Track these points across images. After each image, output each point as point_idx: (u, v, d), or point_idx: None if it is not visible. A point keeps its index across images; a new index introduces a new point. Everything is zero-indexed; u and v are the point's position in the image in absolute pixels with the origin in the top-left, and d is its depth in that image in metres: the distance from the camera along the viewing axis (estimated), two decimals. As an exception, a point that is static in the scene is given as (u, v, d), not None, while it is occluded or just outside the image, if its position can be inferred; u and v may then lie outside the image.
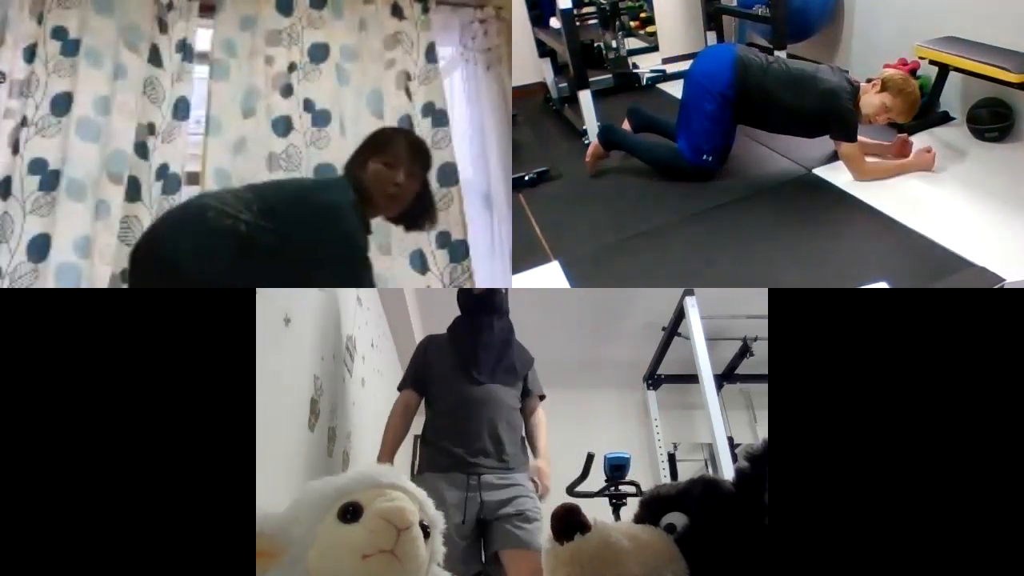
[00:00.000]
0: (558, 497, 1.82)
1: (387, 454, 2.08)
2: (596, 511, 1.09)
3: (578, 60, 2.93)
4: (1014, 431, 0.96)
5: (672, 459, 4.39)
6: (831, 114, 2.38)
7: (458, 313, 2.30)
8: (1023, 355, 0.98)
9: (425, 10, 2.65)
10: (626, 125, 2.87)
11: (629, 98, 3.78)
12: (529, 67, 3.68)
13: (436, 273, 2.41)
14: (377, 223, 1.88)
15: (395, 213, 1.85)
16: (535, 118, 3.63)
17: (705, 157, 2.57)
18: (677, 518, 1.08)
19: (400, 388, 2.24)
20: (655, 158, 2.71)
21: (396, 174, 1.76)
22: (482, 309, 2.23)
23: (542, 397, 2.31)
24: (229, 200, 1.60)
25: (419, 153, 1.85)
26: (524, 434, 2.20)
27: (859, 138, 2.45)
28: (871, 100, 2.37)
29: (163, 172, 2.25)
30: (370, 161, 1.77)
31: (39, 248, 2.06)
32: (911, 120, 2.50)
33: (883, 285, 1.88)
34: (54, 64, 2.21)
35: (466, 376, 2.12)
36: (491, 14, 2.75)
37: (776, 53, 3.22)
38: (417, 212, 1.90)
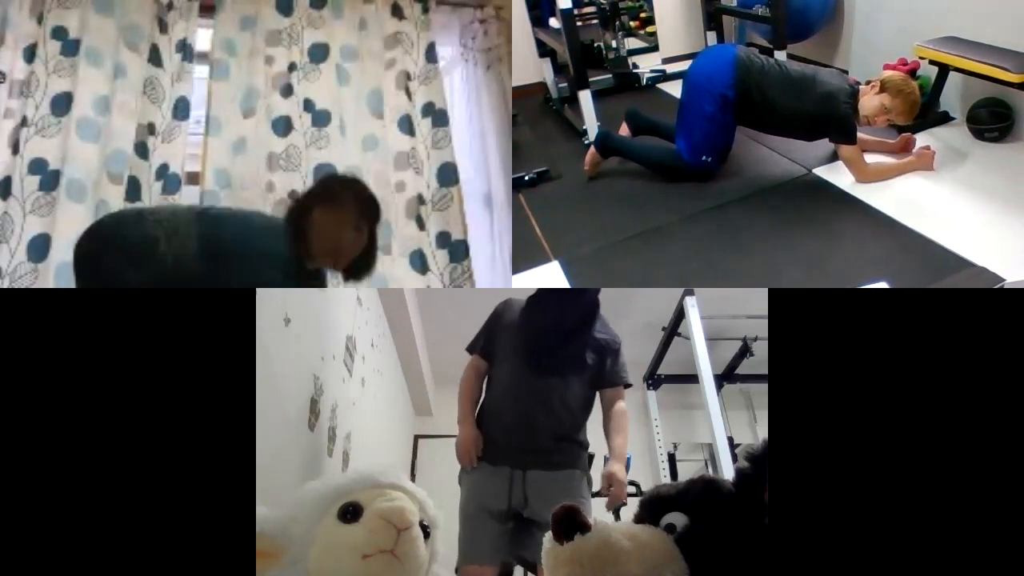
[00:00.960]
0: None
1: (467, 419, 1.96)
2: (596, 511, 1.09)
3: (578, 60, 2.93)
4: (1014, 431, 0.96)
5: (672, 459, 4.39)
6: (831, 117, 2.37)
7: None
8: (1023, 355, 0.98)
9: (425, 10, 2.65)
10: (624, 129, 2.86)
11: (629, 98, 3.79)
12: (529, 67, 3.68)
13: (436, 273, 2.41)
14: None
15: (336, 268, 1.72)
16: (535, 118, 3.63)
17: (704, 158, 2.57)
18: (677, 518, 1.09)
19: (470, 350, 2.11)
20: (653, 161, 2.70)
21: (341, 230, 1.63)
22: (568, 291, 2.09)
23: (628, 386, 2.08)
24: (173, 228, 1.56)
25: (368, 207, 1.70)
26: (603, 427, 2.03)
27: (860, 135, 2.45)
28: (870, 101, 2.37)
29: (163, 172, 2.25)
30: (315, 210, 1.63)
31: (39, 248, 2.06)
32: (911, 121, 2.50)
33: (883, 285, 1.88)
34: (54, 64, 2.21)
35: (526, 363, 1.95)
36: (491, 14, 2.75)
37: (776, 53, 3.22)
38: (359, 264, 1.74)
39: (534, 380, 1.94)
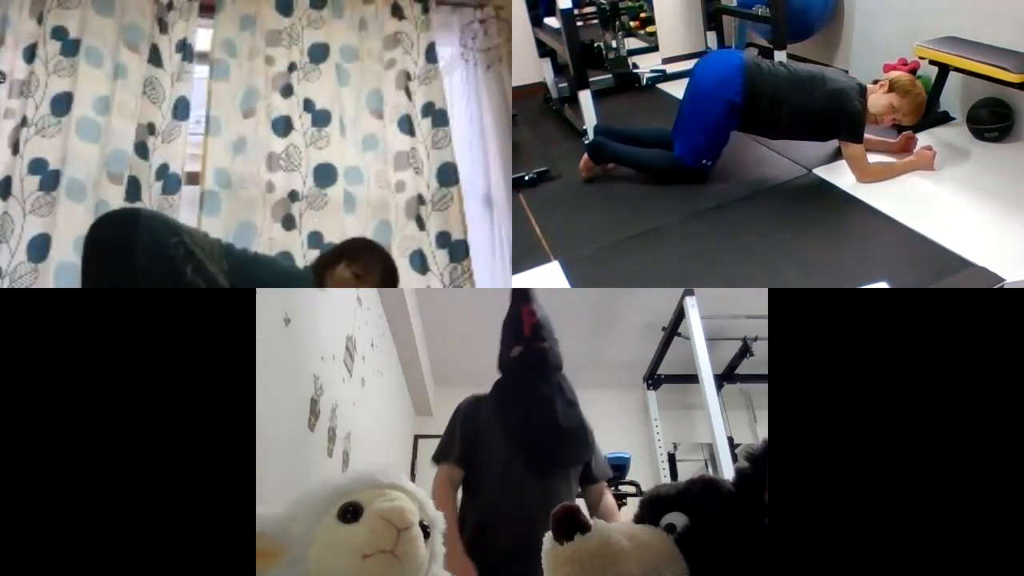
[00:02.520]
0: (558, 497, 1.81)
1: (456, 548, 1.64)
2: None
3: (578, 60, 2.93)
4: (1014, 431, 0.96)
5: (672, 459, 4.39)
6: (840, 113, 2.36)
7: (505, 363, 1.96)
8: (1023, 355, 0.98)
9: (425, 10, 2.65)
10: (586, 162, 2.76)
11: (629, 98, 3.79)
12: (529, 67, 3.68)
13: (436, 273, 2.41)
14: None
15: None
16: (535, 118, 3.63)
17: (705, 162, 2.57)
18: (677, 518, 1.08)
19: (440, 459, 1.84)
20: (650, 166, 2.68)
21: (361, 283, 1.76)
22: (531, 370, 1.89)
23: (610, 482, 1.95)
24: (208, 249, 1.58)
25: (390, 276, 1.82)
26: None
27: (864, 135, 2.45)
28: (879, 100, 2.38)
29: (163, 172, 2.25)
30: (340, 264, 1.74)
31: (39, 248, 2.06)
32: (916, 121, 2.50)
33: (883, 285, 1.88)
34: (54, 64, 2.21)
35: (525, 466, 1.73)
36: (491, 14, 2.75)
37: (776, 53, 3.22)
38: None
39: (536, 484, 1.71)
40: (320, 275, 1.74)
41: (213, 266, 1.55)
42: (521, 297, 2.00)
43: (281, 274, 1.73)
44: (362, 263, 1.76)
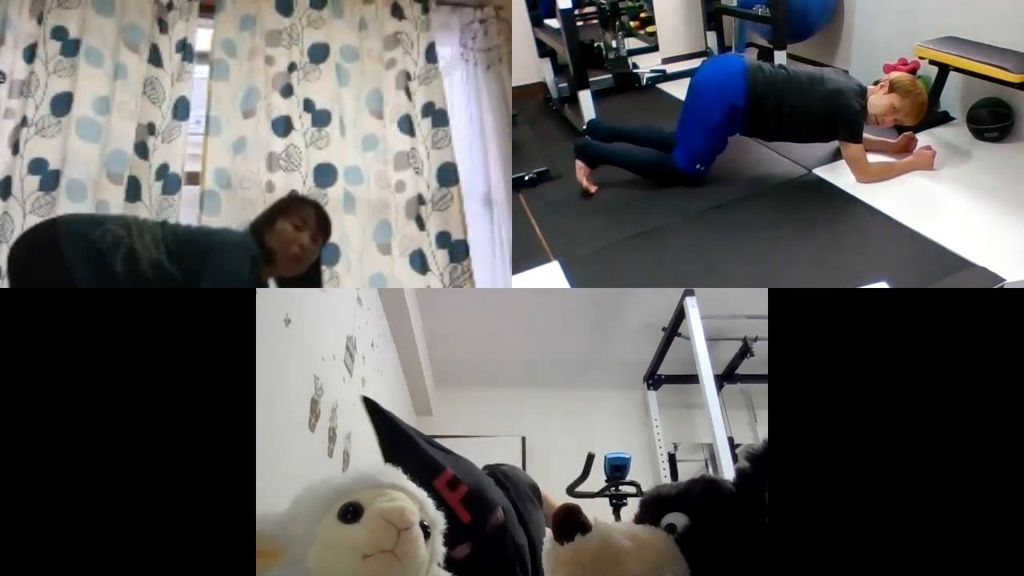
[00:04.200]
0: (559, 497, 1.82)
1: None
2: (596, 511, 1.09)
3: (578, 60, 2.93)
4: (1014, 431, 0.96)
5: (672, 459, 4.38)
6: (840, 114, 2.36)
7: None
8: (1023, 355, 0.98)
9: (425, 10, 2.65)
10: (582, 169, 2.70)
11: (629, 98, 3.79)
12: (529, 67, 3.68)
13: (436, 273, 2.41)
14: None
15: (292, 273, 1.89)
16: (535, 118, 3.63)
17: (698, 166, 2.55)
18: (677, 518, 1.08)
19: None
20: (641, 166, 2.67)
21: (301, 236, 1.84)
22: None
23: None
24: (142, 233, 1.65)
25: (324, 223, 1.91)
26: None
27: (864, 135, 2.45)
28: (879, 101, 2.38)
29: (163, 172, 2.25)
30: (278, 220, 1.84)
31: (39, 248, 2.06)
32: (918, 121, 2.50)
33: (883, 285, 1.88)
34: (54, 64, 2.21)
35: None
36: (491, 14, 2.75)
37: (776, 53, 3.22)
38: (306, 278, 1.94)
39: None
40: (260, 235, 1.81)
41: (150, 250, 1.62)
42: (429, 469, 1.30)
43: (219, 243, 1.75)
44: (297, 214, 1.85)
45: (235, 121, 2.37)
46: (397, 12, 2.61)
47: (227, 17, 2.45)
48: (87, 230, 1.62)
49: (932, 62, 2.63)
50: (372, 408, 1.47)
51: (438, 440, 1.77)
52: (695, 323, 3.27)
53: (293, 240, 1.83)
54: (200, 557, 0.93)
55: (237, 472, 0.96)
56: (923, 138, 2.67)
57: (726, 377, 4.23)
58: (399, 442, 1.40)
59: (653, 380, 4.47)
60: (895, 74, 2.46)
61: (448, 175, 2.50)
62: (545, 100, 3.79)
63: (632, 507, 1.81)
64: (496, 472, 1.52)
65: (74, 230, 1.62)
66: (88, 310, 1.01)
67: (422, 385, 3.92)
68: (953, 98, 2.79)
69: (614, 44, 3.97)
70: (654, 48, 4.31)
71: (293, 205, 1.91)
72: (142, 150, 2.23)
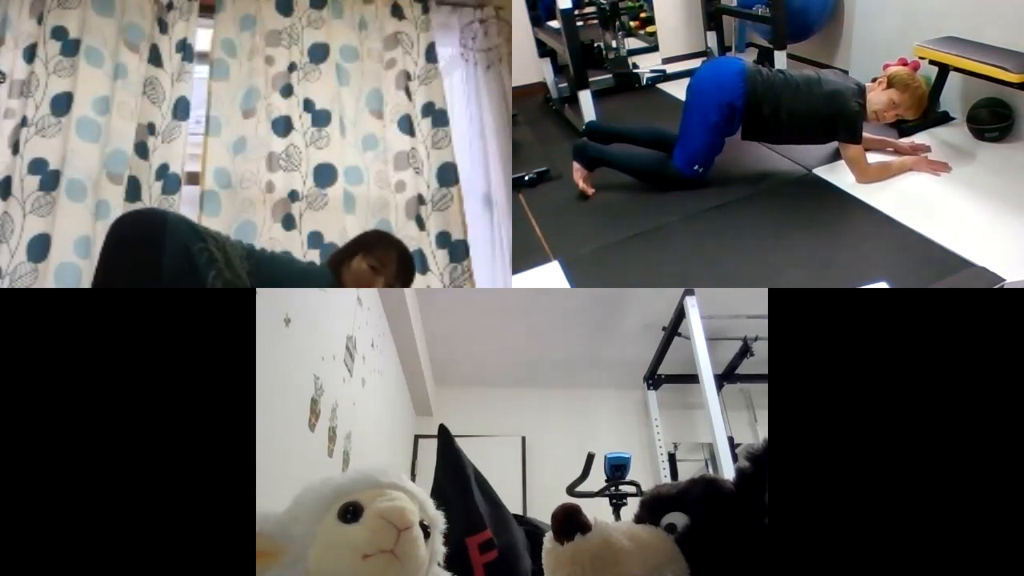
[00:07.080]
0: (559, 497, 1.82)
1: None
2: (596, 511, 1.09)
3: (578, 60, 2.93)
4: (1014, 431, 0.96)
5: (672, 459, 4.38)
6: (838, 115, 2.36)
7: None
8: (1023, 355, 0.98)
9: (425, 10, 2.65)
10: (579, 171, 2.67)
11: (629, 98, 3.79)
12: (529, 67, 3.68)
13: (436, 273, 2.41)
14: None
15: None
16: (535, 118, 3.63)
17: (696, 168, 2.54)
18: (677, 518, 1.08)
19: None
20: (639, 170, 2.66)
21: (377, 280, 1.78)
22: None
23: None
24: (230, 259, 1.61)
25: (406, 269, 1.85)
26: None
27: (864, 135, 2.44)
28: (878, 97, 2.37)
29: (163, 172, 2.26)
30: (356, 258, 1.78)
31: (39, 248, 2.06)
32: (919, 115, 2.50)
33: (883, 285, 1.88)
34: (54, 64, 2.21)
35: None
36: (491, 14, 2.76)
37: (776, 53, 3.22)
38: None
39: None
40: (337, 270, 1.76)
41: (235, 270, 1.57)
42: (469, 523, 1.30)
43: (299, 272, 1.74)
44: (378, 255, 1.78)
45: (235, 121, 2.37)
46: (397, 12, 2.61)
47: (227, 17, 2.45)
48: (189, 241, 1.57)
49: (932, 62, 2.62)
50: (445, 440, 1.48)
51: (436, 439, 1.73)
52: (695, 323, 3.27)
53: (368, 283, 1.76)
54: (200, 557, 0.93)
55: (237, 472, 0.96)
56: (923, 138, 2.68)
57: (726, 377, 4.23)
58: (454, 483, 1.43)
59: (653, 380, 4.47)
60: (893, 68, 2.44)
61: (448, 175, 2.50)
62: (545, 100, 3.79)
63: (632, 507, 1.81)
64: (536, 529, 1.53)
65: (178, 237, 1.57)
66: (88, 310, 1.01)
67: (422, 385, 3.92)
68: (953, 98, 2.79)
69: (614, 44, 3.97)
70: (654, 48, 4.31)
71: (376, 244, 1.83)
72: (142, 150, 2.23)
